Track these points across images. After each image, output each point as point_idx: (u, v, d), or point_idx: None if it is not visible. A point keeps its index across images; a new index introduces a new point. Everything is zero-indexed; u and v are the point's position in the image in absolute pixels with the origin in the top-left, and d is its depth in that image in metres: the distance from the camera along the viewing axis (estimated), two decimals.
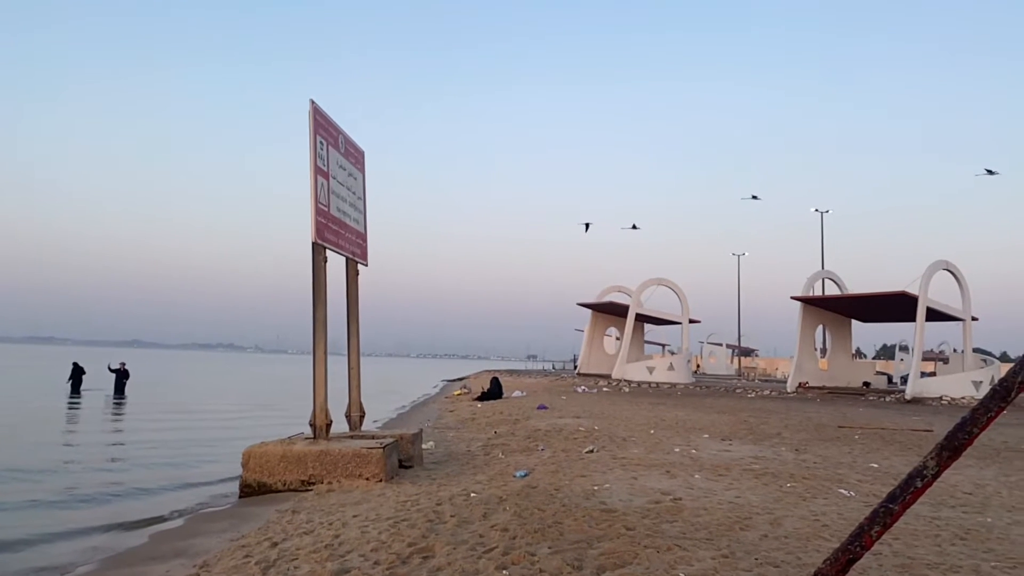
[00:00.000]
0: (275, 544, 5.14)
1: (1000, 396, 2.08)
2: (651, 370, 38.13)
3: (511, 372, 52.54)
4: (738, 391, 29.70)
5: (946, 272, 28.07)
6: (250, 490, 7.57)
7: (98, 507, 7.74)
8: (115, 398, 24.04)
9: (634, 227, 56.46)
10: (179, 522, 6.93)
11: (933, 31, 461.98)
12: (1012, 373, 2.08)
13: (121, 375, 25.70)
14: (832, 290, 35.23)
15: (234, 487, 8.02)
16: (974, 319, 28.92)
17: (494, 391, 22.80)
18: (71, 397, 24.00)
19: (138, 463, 10.86)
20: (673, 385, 33.82)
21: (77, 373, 25.98)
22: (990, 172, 39.64)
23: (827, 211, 51.24)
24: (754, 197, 53.67)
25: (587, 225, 54.78)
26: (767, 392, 28.53)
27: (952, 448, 2.12)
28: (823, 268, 42.08)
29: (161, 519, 7.09)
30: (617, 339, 45.12)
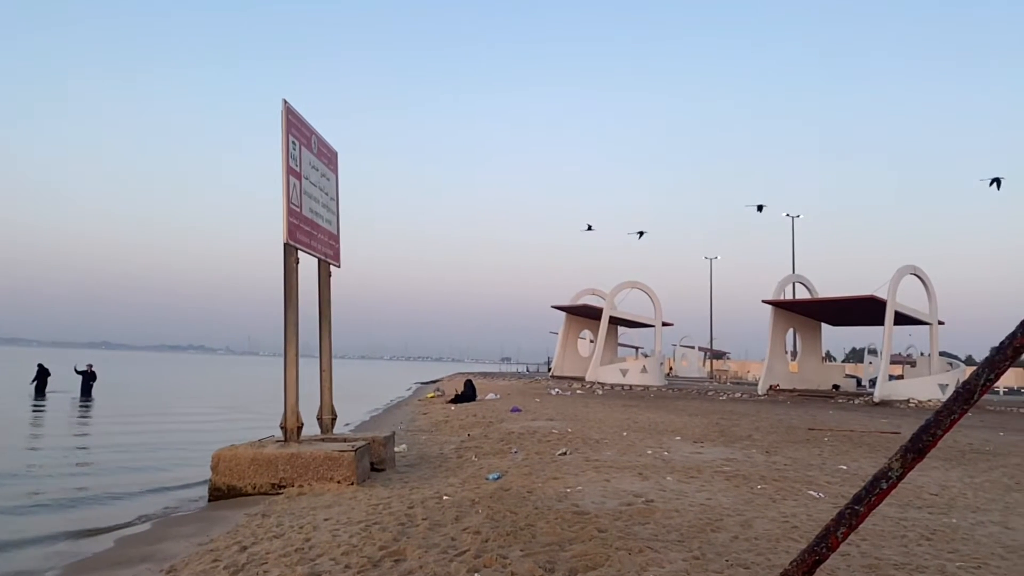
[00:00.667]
0: (244, 548, 5.08)
1: (963, 398, 2.12)
2: (624, 373, 38.34)
3: (485, 375, 52.50)
4: (710, 394, 29.93)
5: (914, 277, 28.56)
6: (219, 493, 7.48)
7: (63, 512, 7.58)
8: (82, 400, 23.62)
9: (641, 233, 56.34)
10: (146, 526, 6.81)
11: (910, 40, 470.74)
12: (975, 376, 2.11)
13: (88, 377, 25.30)
14: (803, 294, 35.69)
15: (203, 491, 7.91)
16: (941, 323, 29.44)
17: (467, 394, 22.75)
18: (36, 400, 23.51)
19: (105, 467, 10.66)
20: (646, 387, 34.01)
21: (42, 375, 25.50)
22: (996, 181, 39.76)
23: (798, 216, 52.00)
24: (759, 207, 52.31)
25: (589, 226, 55.40)
26: (738, 395, 28.79)
27: (917, 450, 2.15)
28: (794, 272, 42.67)
29: (128, 524, 6.97)
30: (591, 342, 45.31)
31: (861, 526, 2.32)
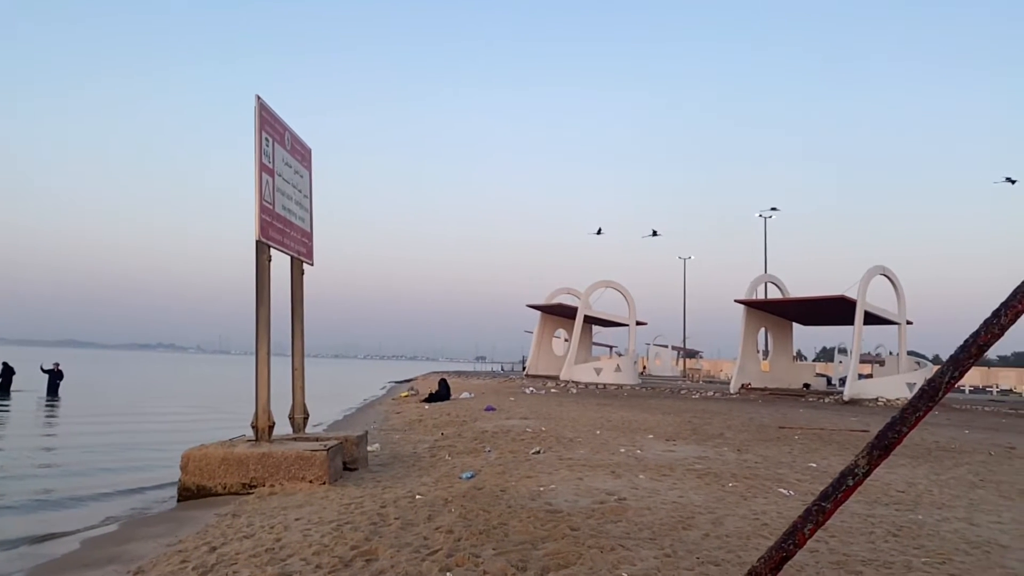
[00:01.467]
0: (214, 548, 5.02)
1: (928, 396, 2.14)
2: (598, 371, 38.48)
3: (459, 374, 52.44)
4: (683, 392, 30.15)
5: (883, 277, 29.00)
6: (189, 494, 7.38)
7: (27, 515, 7.43)
8: (47, 400, 23.20)
9: (654, 233, 57.10)
10: (113, 527, 6.70)
11: (896, 43, 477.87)
12: (939, 374, 2.14)
13: (54, 376, 24.82)
14: (774, 294, 36.08)
15: (173, 491, 7.79)
16: (909, 323, 29.94)
17: (442, 393, 22.69)
18: (0, 399, 23.06)
19: (71, 468, 10.47)
20: (620, 386, 34.17)
21: (7, 373, 25.02)
22: (1010, 180, 40.47)
23: (770, 216, 52.53)
24: (772, 209, 52.41)
25: (599, 230, 56.47)
26: (711, 393, 29.03)
27: (882, 447, 2.17)
28: (766, 272, 43.12)
29: (95, 526, 6.85)
30: (566, 341, 45.41)
31: (829, 523, 2.35)
